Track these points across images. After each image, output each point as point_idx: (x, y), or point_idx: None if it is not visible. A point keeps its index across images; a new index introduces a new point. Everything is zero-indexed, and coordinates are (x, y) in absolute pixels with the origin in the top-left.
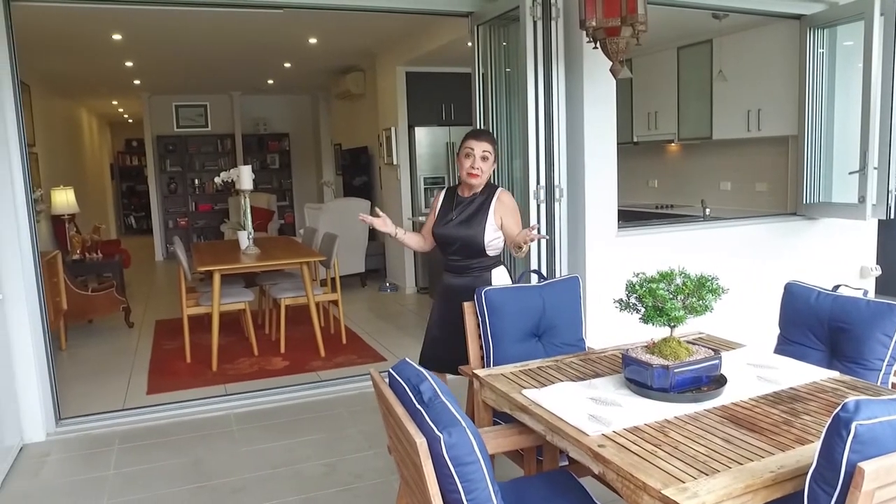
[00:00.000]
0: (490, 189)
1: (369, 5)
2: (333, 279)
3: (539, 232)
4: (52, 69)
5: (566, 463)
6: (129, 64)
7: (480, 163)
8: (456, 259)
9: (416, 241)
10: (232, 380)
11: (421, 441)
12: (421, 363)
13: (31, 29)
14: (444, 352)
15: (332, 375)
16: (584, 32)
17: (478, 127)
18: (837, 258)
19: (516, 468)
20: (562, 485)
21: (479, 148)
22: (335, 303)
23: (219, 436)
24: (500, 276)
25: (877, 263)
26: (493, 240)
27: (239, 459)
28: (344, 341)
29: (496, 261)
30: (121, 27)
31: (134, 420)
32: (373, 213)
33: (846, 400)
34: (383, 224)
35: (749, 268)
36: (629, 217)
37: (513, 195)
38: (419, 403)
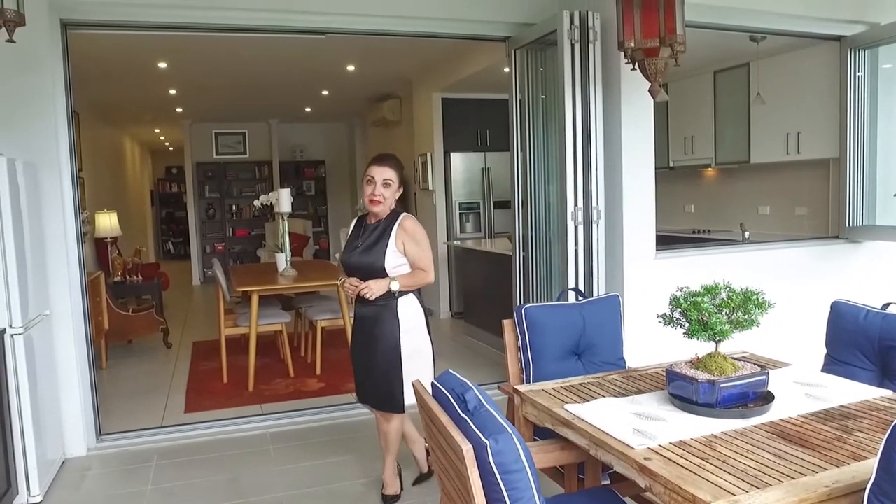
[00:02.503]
0: (393, 215)
1: (408, 31)
2: None
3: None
4: (100, 98)
5: (608, 482)
6: (172, 92)
7: (382, 189)
8: None
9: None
10: (268, 400)
11: (468, 448)
12: (358, 398)
13: (83, 59)
14: (370, 387)
15: None
16: (623, 54)
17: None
18: (883, 282)
19: (556, 486)
20: (605, 502)
21: (380, 175)
22: None
23: (255, 454)
24: (407, 304)
25: None
26: (396, 266)
27: (275, 478)
28: None
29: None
30: (166, 55)
31: (172, 437)
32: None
33: None
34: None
35: (791, 291)
36: (666, 242)
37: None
38: (464, 412)
